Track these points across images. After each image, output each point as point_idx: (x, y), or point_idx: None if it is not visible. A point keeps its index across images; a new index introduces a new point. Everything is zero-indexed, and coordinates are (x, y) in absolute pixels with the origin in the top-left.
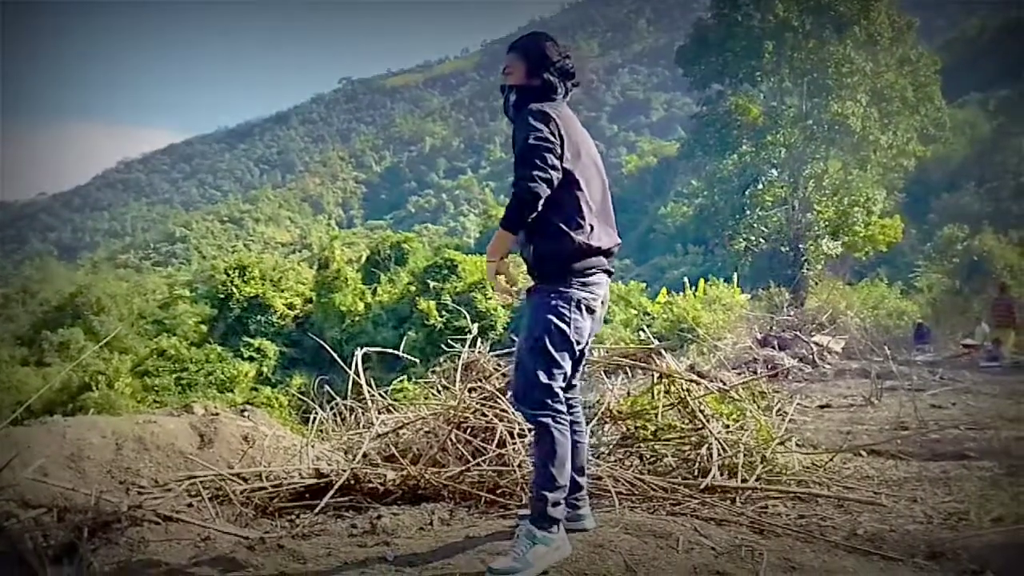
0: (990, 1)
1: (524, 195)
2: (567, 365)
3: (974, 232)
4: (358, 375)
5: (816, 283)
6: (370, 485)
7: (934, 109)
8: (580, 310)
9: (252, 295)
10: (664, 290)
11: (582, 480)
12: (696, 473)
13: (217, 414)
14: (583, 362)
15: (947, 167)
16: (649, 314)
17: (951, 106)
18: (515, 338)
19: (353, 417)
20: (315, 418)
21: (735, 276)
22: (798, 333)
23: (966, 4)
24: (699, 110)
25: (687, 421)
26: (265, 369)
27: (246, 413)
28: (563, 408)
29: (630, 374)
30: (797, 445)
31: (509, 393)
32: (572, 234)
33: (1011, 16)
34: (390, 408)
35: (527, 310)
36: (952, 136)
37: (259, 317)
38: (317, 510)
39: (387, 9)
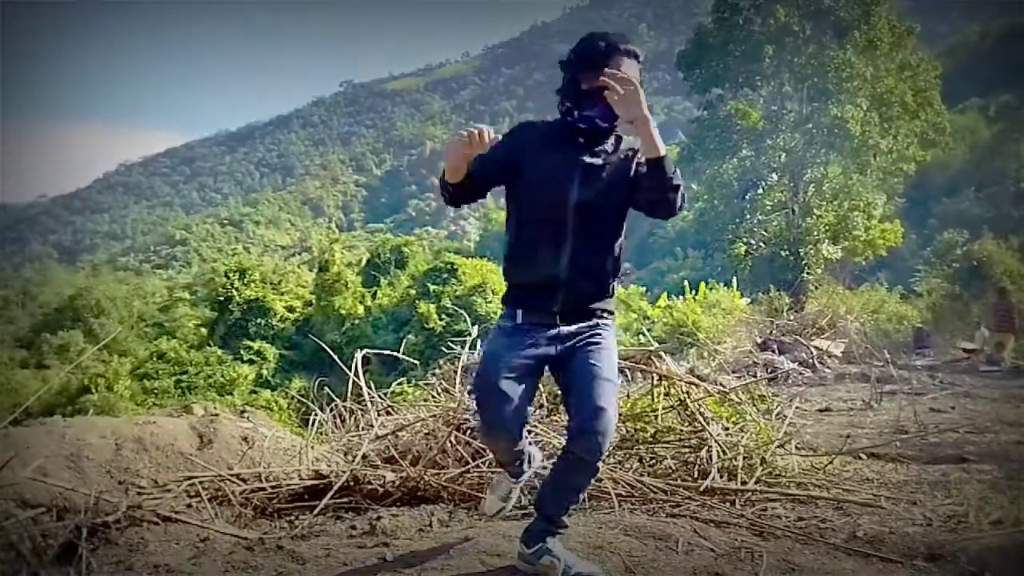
0: (991, 6)
1: (680, 204)
2: None
3: (974, 237)
4: (358, 377)
5: (816, 287)
6: (369, 486)
7: (934, 114)
8: None
9: (252, 298)
10: (664, 294)
11: None
12: (696, 475)
13: (217, 415)
14: None
15: (947, 172)
16: (649, 318)
17: (952, 111)
18: None
19: (353, 419)
20: (315, 420)
21: (735, 280)
22: (798, 337)
23: (967, 10)
24: (699, 114)
25: (687, 424)
26: (265, 372)
27: (246, 414)
28: None
29: (630, 377)
30: (796, 448)
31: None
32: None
33: (1013, 22)
34: (390, 410)
35: (602, 345)
36: (952, 141)
37: (259, 320)
38: (316, 511)
39: (388, 13)
